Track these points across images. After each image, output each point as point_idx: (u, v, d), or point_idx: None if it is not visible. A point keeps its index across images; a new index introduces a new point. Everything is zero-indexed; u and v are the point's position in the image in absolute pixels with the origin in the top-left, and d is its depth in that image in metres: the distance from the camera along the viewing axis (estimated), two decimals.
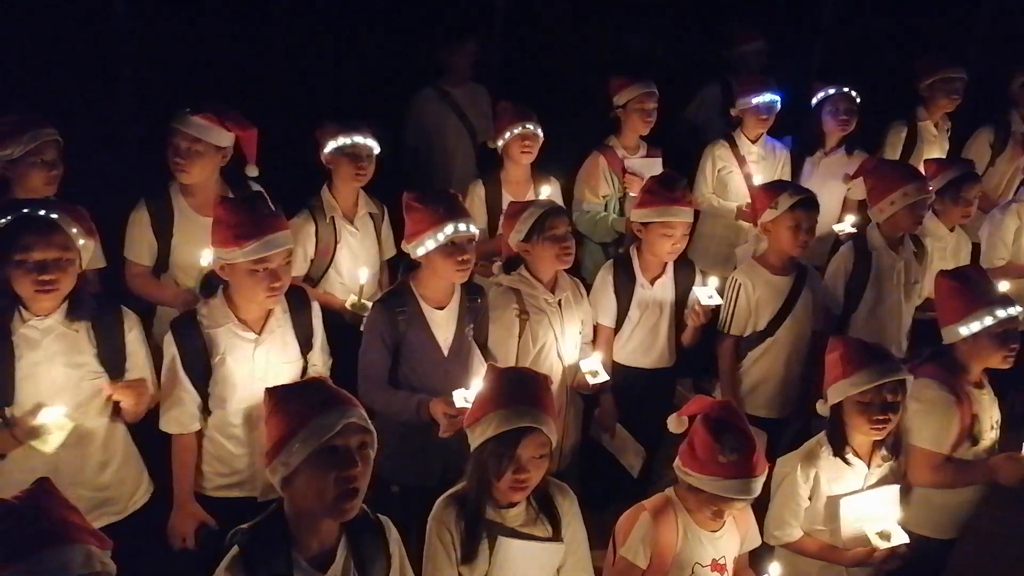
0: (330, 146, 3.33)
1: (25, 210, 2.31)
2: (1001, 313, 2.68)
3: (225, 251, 2.41)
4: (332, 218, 3.36)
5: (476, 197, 3.79)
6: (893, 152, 4.62)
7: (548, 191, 3.70)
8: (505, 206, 3.66)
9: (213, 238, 2.46)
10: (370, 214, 3.48)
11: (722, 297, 3.21)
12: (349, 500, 1.73)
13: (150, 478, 2.64)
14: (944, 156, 4.60)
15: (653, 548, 2.22)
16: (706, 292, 3.13)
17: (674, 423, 2.34)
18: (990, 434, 2.77)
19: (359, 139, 3.32)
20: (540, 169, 3.90)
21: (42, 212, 2.30)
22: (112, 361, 2.42)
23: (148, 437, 2.61)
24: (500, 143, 3.75)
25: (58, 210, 2.34)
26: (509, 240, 3.05)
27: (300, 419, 1.72)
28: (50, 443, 2.26)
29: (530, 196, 3.73)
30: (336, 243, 3.38)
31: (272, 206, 2.62)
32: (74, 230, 2.32)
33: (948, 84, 4.52)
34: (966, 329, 2.71)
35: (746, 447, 2.15)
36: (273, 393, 1.84)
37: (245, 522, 1.97)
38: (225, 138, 2.99)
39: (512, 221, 3.05)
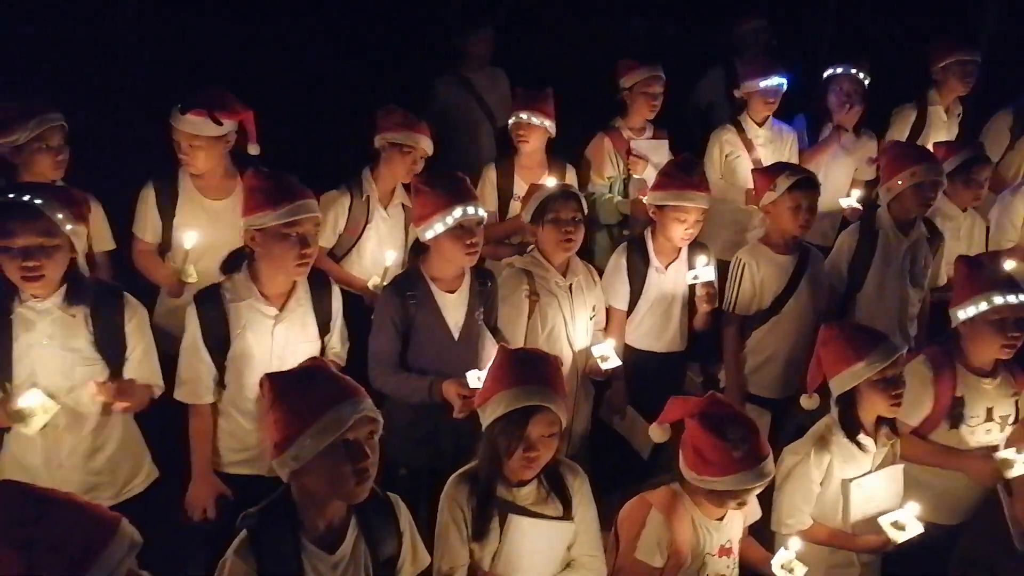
0: (392, 137, 3.35)
1: (11, 195, 2.28)
2: (998, 300, 2.64)
3: (258, 216, 2.43)
4: (367, 198, 3.40)
5: (488, 181, 3.80)
6: (900, 135, 4.57)
7: (554, 182, 3.65)
8: (516, 191, 3.70)
9: (244, 206, 2.48)
10: (403, 205, 3.49)
11: (728, 278, 3.21)
12: (361, 486, 1.75)
13: (154, 465, 2.64)
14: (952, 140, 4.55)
15: (670, 547, 2.20)
16: (697, 272, 3.13)
17: (657, 433, 2.32)
18: (985, 425, 2.74)
19: (422, 142, 3.38)
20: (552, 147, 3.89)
21: (27, 197, 2.25)
22: (109, 349, 2.40)
23: (161, 421, 2.63)
24: (509, 127, 3.77)
25: (45, 195, 2.28)
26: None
27: (311, 413, 1.72)
28: (32, 425, 2.26)
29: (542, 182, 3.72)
30: (366, 224, 3.41)
31: None
32: (60, 216, 2.26)
33: (962, 67, 4.41)
34: (963, 313, 2.71)
35: (750, 433, 2.14)
36: (274, 382, 1.82)
37: (256, 500, 1.97)
38: (220, 128, 2.97)
39: (524, 202, 3.08)
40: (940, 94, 4.55)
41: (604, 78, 4.16)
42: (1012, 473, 2.57)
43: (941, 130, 4.59)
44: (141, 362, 2.47)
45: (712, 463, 2.13)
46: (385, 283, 3.16)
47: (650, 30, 5.90)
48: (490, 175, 3.80)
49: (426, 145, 3.41)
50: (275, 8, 4.88)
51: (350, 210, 3.37)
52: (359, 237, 3.42)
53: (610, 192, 4.03)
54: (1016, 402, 2.78)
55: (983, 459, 2.67)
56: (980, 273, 2.75)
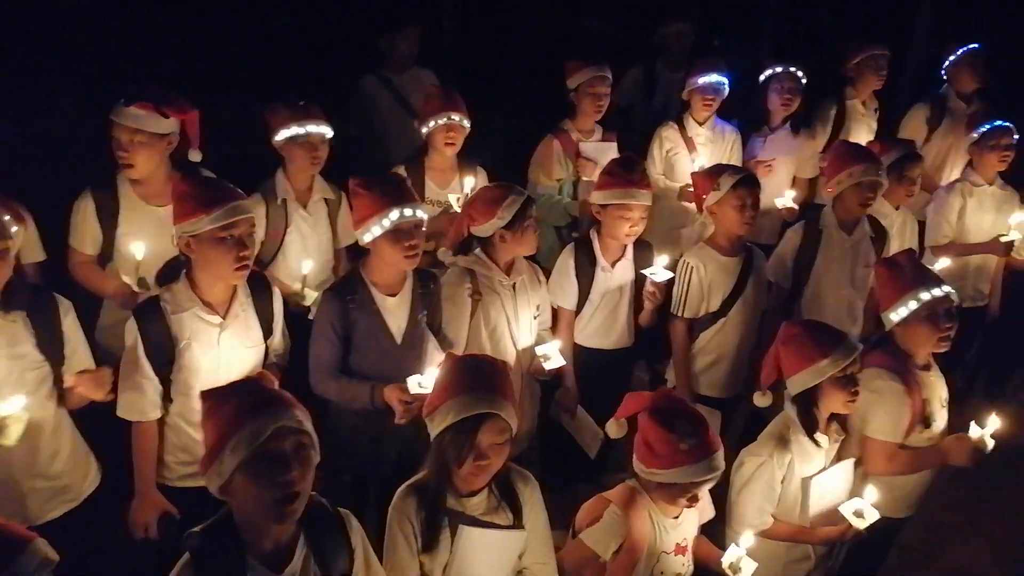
0: (282, 134, 3.25)
1: None
2: (925, 296, 2.68)
3: (191, 222, 2.35)
4: (284, 201, 3.30)
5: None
6: (823, 130, 4.71)
7: (473, 182, 3.59)
8: (428, 195, 3.62)
9: (176, 213, 2.40)
10: (325, 200, 3.40)
11: (673, 275, 3.22)
12: (289, 504, 1.67)
13: (98, 468, 2.60)
14: (872, 134, 4.71)
15: (627, 541, 2.18)
16: (654, 270, 3.14)
17: (614, 428, 2.31)
18: (941, 414, 2.80)
19: (313, 128, 3.25)
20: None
21: None
22: (51, 349, 2.36)
23: (97, 423, 2.56)
24: (425, 130, 3.63)
25: None
26: (485, 225, 2.93)
27: (231, 426, 1.66)
28: (11, 436, 2.19)
29: (455, 185, 3.65)
30: (286, 227, 3.31)
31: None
32: (7, 217, 2.25)
33: (874, 62, 4.65)
34: (895, 315, 2.74)
35: (700, 428, 2.15)
36: (208, 396, 1.78)
37: (211, 512, 1.86)
38: (165, 125, 2.88)
39: (492, 207, 2.91)
40: (856, 89, 4.75)
41: (555, 77, 4.15)
42: (989, 446, 2.63)
43: (861, 124, 4.76)
44: (83, 358, 2.44)
45: (660, 455, 2.13)
46: (305, 290, 3.09)
47: (599, 30, 5.91)
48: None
49: (320, 129, 3.28)
50: (210, 11, 4.72)
51: (267, 216, 3.26)
52: (281, 241, 3.31)
53: (559, 194, 4.01)
54: (944, 382, 2.86)
55: (959, 442, 2.70)
56: (902, 273, 2.78)
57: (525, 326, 3.07)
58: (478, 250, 3.00)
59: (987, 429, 2.64)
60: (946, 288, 2.71)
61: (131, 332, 2.44)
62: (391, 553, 2.07)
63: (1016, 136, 4.03)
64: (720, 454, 2.16)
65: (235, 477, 1.65)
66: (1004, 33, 5.55)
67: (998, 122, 4.02)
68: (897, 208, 3.90)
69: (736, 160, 4.31)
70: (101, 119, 2.86)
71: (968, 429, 2.69)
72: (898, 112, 4.93)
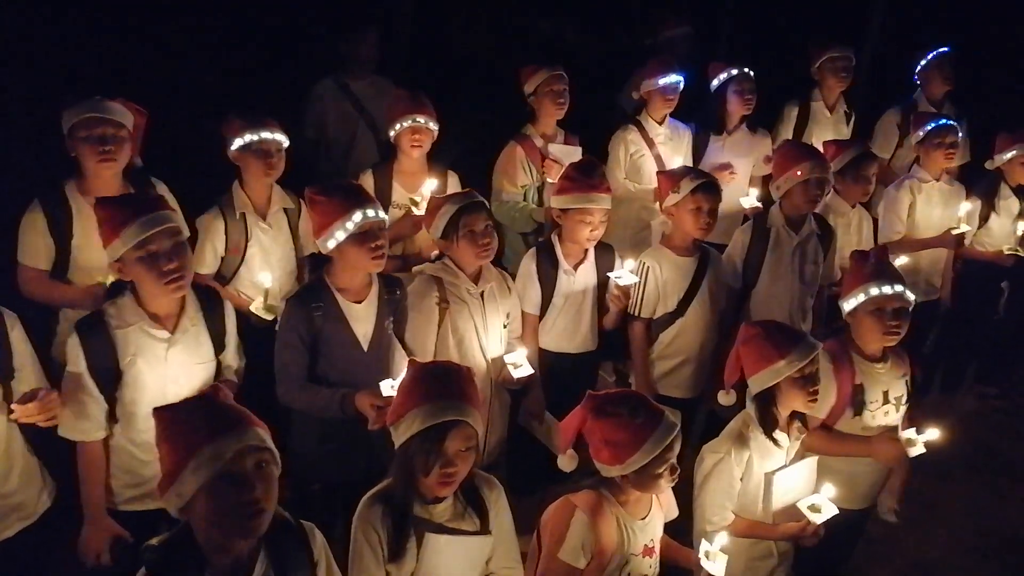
0: (237, 143, 3.20)
1: None
2: (874, 291, 2.75)
3: (112, 247, 2.30)
4: (243, 215, 3.23)
5: (364, 187, 3.67)
6: (786, 131, 4.80)
7: (434, 185, 3.53)
8: (395, 197, 3.59)
9: (102, 240, 2.34)
10: (284, 210, 3.35)
11: (638, 278, 3.25)
12: (254, 520, 1.66)
13: (51, 479, 2.51)
14: (840, 137, 4.76)
15: (595, 548, 2.19)
16: (619, 273, 3.16)
17: (566, 462, 2.31)
18: (883, 408, 2.85)
19: (267, 135, 3.20)
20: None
21: None
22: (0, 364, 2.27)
23: (49, 437, 2.44)
24: (392, 133, 3.61)
25: None
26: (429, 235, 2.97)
27: (190, 447, 1.62)
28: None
29: (424, 186, 3.61)
30: (247, 241, 3.25)
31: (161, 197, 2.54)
32: None
33: (834, 63, 4.73)
34: (847, 305, 2.83)
35: (637, 399, 2.19)
36: (162, 415, 1.73)
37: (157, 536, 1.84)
38: (132, 124, 2.89)
39: (431, 216, 2.96)
40: (822, 92, 4.85)
41: (511, 72, 4.16)
42: (914, 452, 2.70)
43: (826, 126, 4.84)
44: (33, 370, 2.34)
45: (623, 443, 2.13)
46: (268, 304, 3.03)
47: (555, 33, 5.92)
48: (367, 181, 3.60)
49: (274, 136, 3.22)
50: (151, 15, 4.60)
51: (226, 232, 3.21)
52: (243, 255, 3.25)
53: (524, 200, 4.01)
54: (906, 383, 2.91)
55: (888, 441, 2.77)
56: (863, 266, 2.85)
57: (495, 335, 3.06)
58: (445, 258, 2.99)
59: (922, 436, 2.70)
60: (898, 288, 2.76)
61: (74, 348, 2.34)
62: (357, 563, 2.05)
63: (960, 134, 4.13)
64: (667, 411, 2.19)
65: (196, 498, 1.62)
66: (953, 33, 5.69)
67: (943, 120, 4.13)
68: (853, 207, 3.98)
69: (690, 157, 4.38)
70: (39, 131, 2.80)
71: (898, 430, 2.76)
72: (859, 112, 5.01)
